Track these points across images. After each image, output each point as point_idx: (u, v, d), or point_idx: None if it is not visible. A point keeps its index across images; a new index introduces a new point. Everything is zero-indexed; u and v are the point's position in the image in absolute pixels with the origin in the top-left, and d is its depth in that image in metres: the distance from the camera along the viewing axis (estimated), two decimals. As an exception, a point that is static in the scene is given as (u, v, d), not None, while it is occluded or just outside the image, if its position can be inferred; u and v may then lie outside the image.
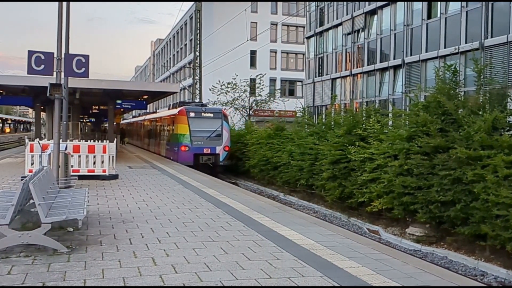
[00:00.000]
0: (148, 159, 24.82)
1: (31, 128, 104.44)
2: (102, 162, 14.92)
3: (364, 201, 12.05)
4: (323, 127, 16.63)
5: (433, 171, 9.89)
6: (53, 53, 10.66)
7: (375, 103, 29.49)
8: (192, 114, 24.02)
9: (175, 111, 26.34)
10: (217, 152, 23.09)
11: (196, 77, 41.72)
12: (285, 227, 8.21)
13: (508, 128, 9.82)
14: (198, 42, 41.46)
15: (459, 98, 10.94)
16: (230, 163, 23.98)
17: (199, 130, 23.43)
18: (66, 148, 13.06)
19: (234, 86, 43.67)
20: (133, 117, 59.06)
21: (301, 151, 15.98)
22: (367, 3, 31.98)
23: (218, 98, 43.91)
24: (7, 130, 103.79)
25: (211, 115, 24.45)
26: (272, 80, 59.31)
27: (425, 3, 26.47)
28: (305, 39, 43.88)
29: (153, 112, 40.64)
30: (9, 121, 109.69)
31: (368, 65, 31.98)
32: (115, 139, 19.80)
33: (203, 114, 24.33)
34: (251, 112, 45.34)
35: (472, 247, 9.24)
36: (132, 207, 9.83)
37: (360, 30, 33.05)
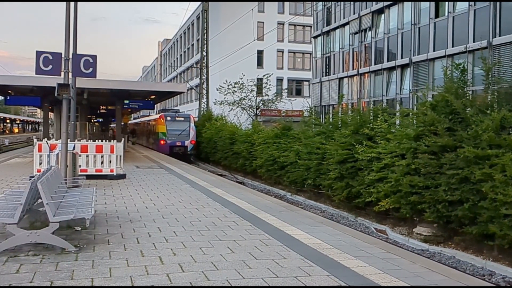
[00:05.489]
0: (155, 158, 24.92)
1: (40, 128, 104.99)
2: (110, 161, 14.99)
3: (371, 200, 12.00)
4: (330, 126, 16.56)
5: (441, 171, 9.83)
6: (61, 54, 10.74)
7: (383, 102, 29.42)
8: (168, 118, 32.90)
9: (157, 116, 35.85)
10: (185, 144, 31.86)
11: (203, 77, 41.83)
12: (292, 226, 8.22)
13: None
14: (205, 42, 41.56)
15: (467, 97, 10.88)
16: (194, 152, 32.71)
17: (173, 129, 32.14)
18: (74, 148, 13.13)
19: (241, 86, 43.70)
20: (134, 118, 62.31)
21: (308, 150, 15.93)
22: (374, 2, 31.89)
23: (225, 97, 43.97)
24: (16, 130, 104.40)
25: (182, 119, 33.26)
26: (279, 80, 59.31)
27: (433, 2, 26.35)
28: (312, 38, 43.82)
29: (147, 116, 49.80)
30: (18, 121, 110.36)
31: (375, 64, 31.89)
32: (123, 139, 19.87)
33: (176, 118, 33.15)
34: (258, 112, 45.35)
35: (480, 246, 9.18)
36: (140, 207, 9.87)
37: (367, 29, 32.97)
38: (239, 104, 44.01)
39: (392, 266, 5.92)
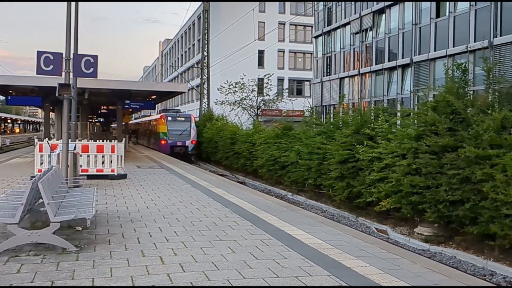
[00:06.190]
0: (156, 158, 24.93)
1: (41, 128, 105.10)
2: (111, 161, 14.99)
3: (372, 200, 11.99)
4: (331, 126, 16.54)
5: (442, 171, 9.82)
6: (61, 54, 10.75)
7: (384, 102, 29.41)
8: (169, 118, 33.10)
9: (158, 116, 36.24)
10: (186, 144, 32.13)
11: (204, 77, 41.81)
12: (293, 226, 8.22)
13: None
14: (206, 42, 41.54)
15: (468, 97, 10.87)
16: (195, 152, 32.88)
17: (174, 129, 32.33)
18: (75, 148, 13.13)
19: (242, 86, 43.71)
20: (135, 118, 62.87)
21: (309, 150, 15.92)
22: (375, 2, 31.88)
23: (226, 97, 43.96)
24: (17, 130, 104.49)
25: (183, 119, 33.44)
26: (280, 80, 59.30)
27: (434, 2, 26.34)
28: (313, 38, 43.84)
29: (148, 116, 50.38)
30: (19, 122, 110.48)
31: (376, 64, 31.89)
32: (124, 138, 19.87)
33: (177, 118, 33.34)
34: (259, 112, 45.38)
35: (481, 246, 9.17)
36: (140, 207, 9.88)
37: (368, 29, 32.96)
38: (240, 104, 44.04)
39: (393, 266, 5.92)
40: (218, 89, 44.69)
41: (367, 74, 33.06)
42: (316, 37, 41.45)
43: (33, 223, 7.20)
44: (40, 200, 7.23)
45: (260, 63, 58.98)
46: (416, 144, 10.72)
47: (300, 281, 5.22)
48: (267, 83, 45.47)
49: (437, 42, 25.91)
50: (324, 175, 14.78)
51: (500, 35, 21.27)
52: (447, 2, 25.37)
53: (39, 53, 10.34)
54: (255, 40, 49.16)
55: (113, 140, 16.20)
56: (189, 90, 57.78)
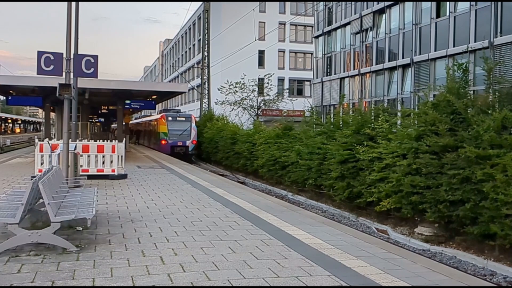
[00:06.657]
0: (156, 158, 24.93)
1: (41, 128, 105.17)
2: (111, 161, 14.99)
3: (372, 200, 11.99)
4: (332, 126, 16.54)
5: (442, 171, 9.82)
6: (62, 54, 10.76)
7: (384, 102, 29.42)
8: (170, 118, 33.21)
9: (158, 116, 36.43)
10: (187, 144, 32.11)
11: (205, 77, 41.80)
12: (293, 226, 8.22)
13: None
14: (206, 42, 41.52)
15: (469, 97, 10.86)
16: (196, 152, 32.89)
17: (174, 129, 32.35)
18: (75, 148, 13.13)
19: (243, 86, 43.71)
20: (135, 118, 62.70)
21: (309, 150, 15.92)
22: (375, 2, 31.89)
23: (226, 98, 43.96)
24: (17, 130, 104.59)
25: (183, 119, 33.51)
26: (280, 80, 59.30)
27: (434, 2, 26.35)
28: (313, 38, 43.85)
29: (149, 116, 50.99)
30: (19, 122, 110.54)
31: (376, 64, 31.90)
32: (124, 138, 19.86)
33: (177, 118, 33.43)
34: (259, 112, 45.38)
35: (481, 246, 9.17)
36: (141, 207, 9.88)
37: (369, 29, 32.97)
38: (241, 104, 44.04)
39: (393, 266, 5.92)
40: (218, 89, 44.70)
41: (368, 74, 33.07)
42: (317, 37, 41.47)
43: (33, 223, 7.21)
44: (41, 200, 7.24)
45: (261, 63, 58.99)
46: (416, 144, 10.71)
47: (301, 281, 5.23)
48: (268, 83, 45.53)
49: (438, 42, 25.92)
50: (324, 175, 14.78)
51: (501, 35, 21.26)
52: (448, 2, 25.38)
53: (40, 53, 10.35)
54: (255, 40, 49.18)
55: (113, 140, 16.20)
56: (189, 90, 57.83)
